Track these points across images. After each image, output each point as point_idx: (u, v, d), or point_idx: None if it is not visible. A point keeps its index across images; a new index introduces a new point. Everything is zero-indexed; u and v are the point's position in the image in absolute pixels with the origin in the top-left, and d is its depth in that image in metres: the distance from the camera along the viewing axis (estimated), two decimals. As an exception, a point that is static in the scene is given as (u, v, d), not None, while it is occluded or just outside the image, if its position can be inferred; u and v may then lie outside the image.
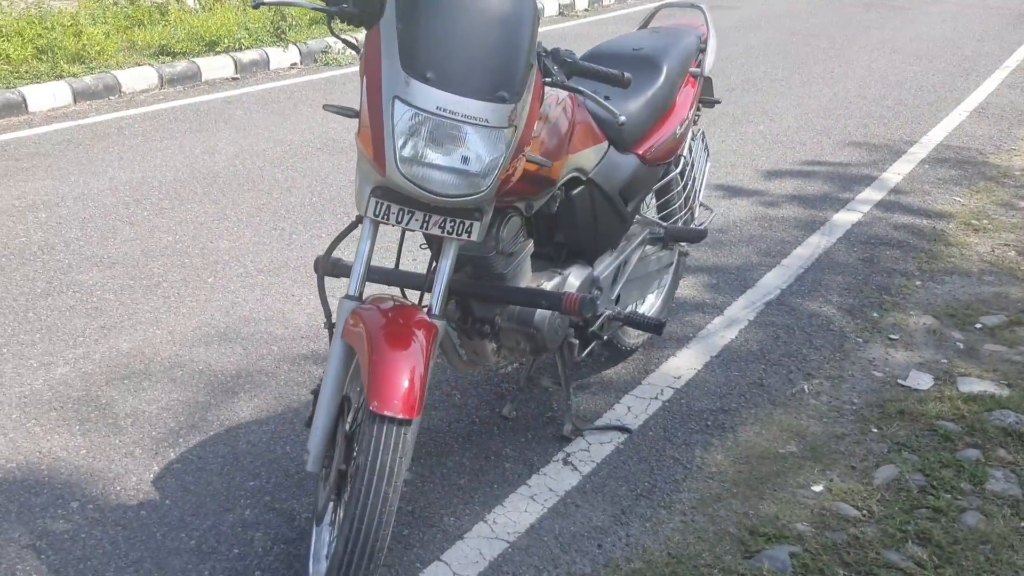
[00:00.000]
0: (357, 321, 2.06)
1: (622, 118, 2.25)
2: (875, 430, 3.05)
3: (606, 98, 2.69)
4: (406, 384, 1.93)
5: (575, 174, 2.51)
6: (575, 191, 2.57)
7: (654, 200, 3.18)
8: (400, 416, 1.91)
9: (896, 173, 5.57)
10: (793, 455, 2.90)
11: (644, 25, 3.45)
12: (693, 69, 3.12)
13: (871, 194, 5.23)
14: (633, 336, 3.30)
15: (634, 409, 3.10)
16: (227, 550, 2.40)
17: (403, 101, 1.92)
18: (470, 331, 2.47)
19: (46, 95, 6.06)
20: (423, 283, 2.40)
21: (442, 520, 2.53)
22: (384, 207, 2.03)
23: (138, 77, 6.65)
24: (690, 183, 3.19)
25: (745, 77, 7.77)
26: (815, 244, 4.51)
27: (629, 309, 3.24)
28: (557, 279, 2.64)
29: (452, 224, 2.07)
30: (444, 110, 1.92)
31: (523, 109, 2.00)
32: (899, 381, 3.34)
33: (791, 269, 4.24)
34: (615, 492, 2.68)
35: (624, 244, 2.92)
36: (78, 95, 6.24)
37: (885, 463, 2.83)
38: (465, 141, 1.93)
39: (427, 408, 3.00)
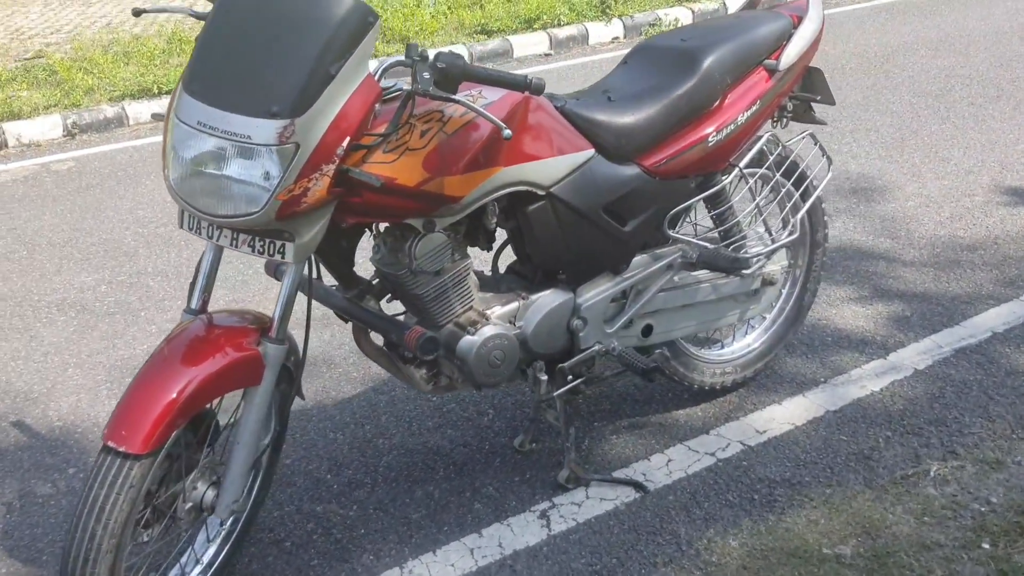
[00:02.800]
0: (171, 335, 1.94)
1: (507, 131, 1.85)
2: (985, 546, 2.24)
3: (608, 99, 2.26)
4: (144, 416, 1.77)
5: (523, 188, 2.12)
6: (532, 207, 2.17)
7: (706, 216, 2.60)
8: (122, 449, 1.76)
9: None
10: (840, 561, 2.23)
11: (747, 5, 2.81)
12: (769, 61, 2.48)
13: None
14: (716, 374, 2.75)
15: (675, 463, 2.59)
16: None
17: (175, 115, 1.80)
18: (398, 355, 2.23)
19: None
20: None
21: (360, 558, 2.32)
22: (196, 220, 1.88)
23: (446, 55, 6.90)
24: (760, 199, 2.54)
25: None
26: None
27: (689, 343, 2.71)
28: (514, 304, 2.26)
29: (262, 244, 1.87)
30: (205, 125, 1.75)
31: (311, 124, 1.73)
32: (1082, 482, 2.42)
33: (1028, 309, 3.26)
34: (567, 566, 2.26)
35: (638, 268, 2.41)
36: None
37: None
38: (228, 159, 1.74)
39: (443, 426, 2.77)
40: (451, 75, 1.86)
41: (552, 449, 2.64)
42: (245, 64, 1.78)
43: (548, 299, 2.29)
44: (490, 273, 2.40)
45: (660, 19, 7.64)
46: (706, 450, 2.63)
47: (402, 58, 1.89)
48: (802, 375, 2.95)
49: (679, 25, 7.42)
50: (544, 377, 2.31)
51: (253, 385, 1.96)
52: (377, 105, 1.89)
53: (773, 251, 2.54)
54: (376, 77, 1.91)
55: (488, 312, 2.23)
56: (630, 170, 2.29)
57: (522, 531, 2.37)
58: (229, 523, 2.22)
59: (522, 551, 2.31)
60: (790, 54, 2.49)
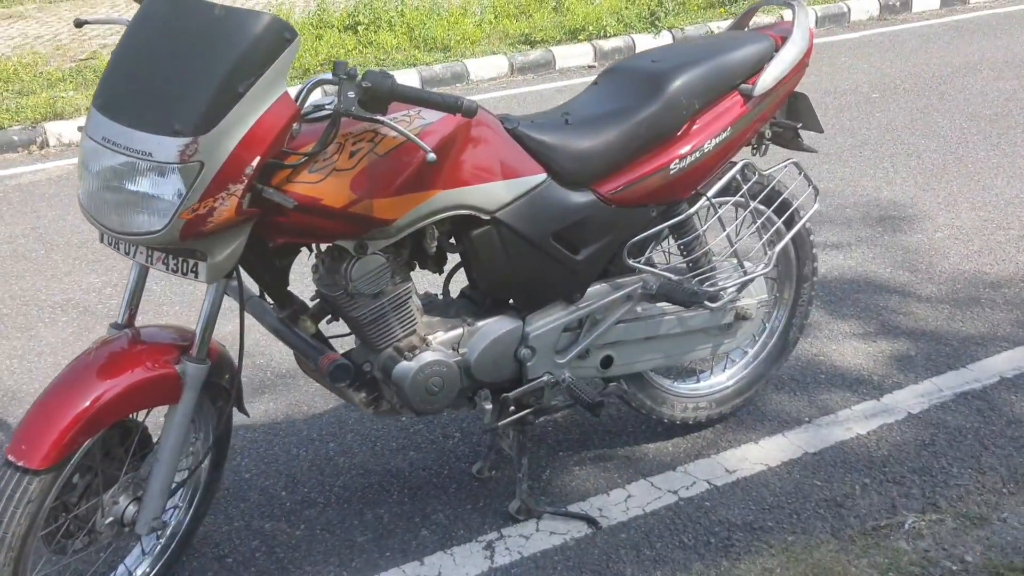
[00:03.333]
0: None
1: (431, 155, 1.80)
2: (948, 610, 2.11)
3: (566, 122, 2.20)
4: (45, 431, 1.76)
5: (466, 212, 2.07)
6: (476, 231, 2.11)
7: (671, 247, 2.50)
8: (20, 464, 1.75)
9: None
10: (787, 614, 2.12)
11: (736, 25, 2.70)
12: (745, 86, 2.37)
13: None
14: (688, 409, 2.65)
15: (634, 500, 2.49)
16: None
17: (85, 130, 1.81)
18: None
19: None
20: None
21: (296, 578, 2.29)
22: (113, 237, 1.87)
23: (488, 66, 6.88)
24: (729, 229, 2.43)
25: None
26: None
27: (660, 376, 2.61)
28: (459, 331, 2.20)
29: (175, 262, 1.85)
30: (109, 141, 1.74)
31: (217, 143, 1.69)
32: (1067, 545, 2.26)
33: (1047, 352, 3.08)
34: (502, 600, 2.20)
35: (593, 297, 2.33)
36: (426, 83, 6.63)
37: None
38: (131, 175, 1.72)
39: (407, 447, 2.73)
40: (378, 95, 1.82)
41: (511, 478, 2.57)
42: (153, 80, 1.76)
43: (495, 326, 2.22)
44: (441, 297, 2.35)
45: (711, 32, 7.50)
46: (669, 487, 2.53)
47: (330, 76, 1.86)
48: (786, 413, 2.83)
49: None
50: (488, 406, 2.25)
51: (171, 403, 1.94)
52: (303, 125, 1.86)
53: (740, 285, 2.43)
54: (304, 93, 1.88)
55: (431, 337, 2.17)
56: (584, 197, 2.21)
57: (464, 561, 2.31)
58: (166, 537, 2.21)
59: (459, 584, 2.25)
60: (767, 79, 2.38)
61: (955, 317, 3.34)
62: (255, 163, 1.74)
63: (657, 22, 7.51)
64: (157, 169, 1.70)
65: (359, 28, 7.29)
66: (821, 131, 2.60)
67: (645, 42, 7.33)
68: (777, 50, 2.43)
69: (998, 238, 3.96)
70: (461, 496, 2.53)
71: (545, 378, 2.29)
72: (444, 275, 2.32)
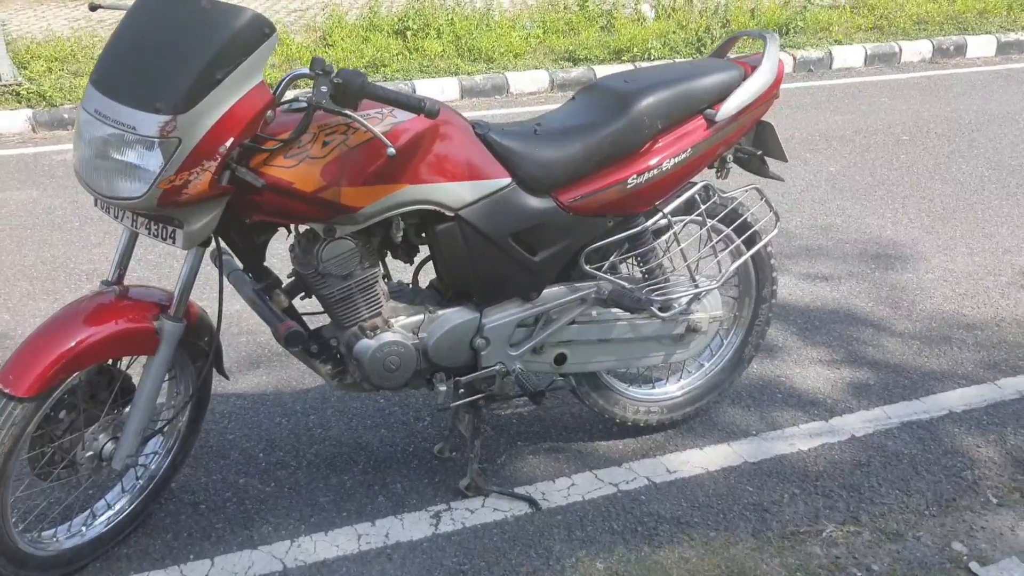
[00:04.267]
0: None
1: (390, 149, 2.04)
2: (840, 612, 2.28)
3: (535, 132, 2.42)
4: (32, 363, 2.03)
5: (430, 207, 2.30)
6: (440, 226, 2.35)
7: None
8: (7, 391, 2.02)
9: None
10: (694, 600, 2.32)
11: (716, 53, 2.90)
12: (709, 111, 2.57)
13: None
14: (639, 412, 2.85)
15: (576, 488, 2.70)
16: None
17: (81, 104, 2.05)
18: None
19: (434, 88, 6.81)
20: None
21: (259, 528, 2.53)
22: (105, 202, 2.12)
23: (529, 80, 7.12)
24: (683, 245, 2.63)
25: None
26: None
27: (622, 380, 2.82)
28: (420, 316, 2.44)
29: (156, 228, 2.10)
30: (99, 113, 1.98)
31: (194, 122, 1.93)
32: (970, 566, 2.42)
33: (1001, 392, 3.21)
34: (439, 562, 2.42)
35: (550, 298, 2.55)
36: (465, 92, 6.90)
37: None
38: (116, 145, 1.96)
39: (379, 425, 2.97)
40: (348, 91, 2.04)
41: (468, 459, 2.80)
42: (142, 62, 1.99)
43: (453, 316, 2.45)
44: (411, 286, 2.58)
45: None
46: (611, 480, 2.74)
47: (307, 70, 2.09)
48: (735, 424, 3.01)
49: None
50: (443, 388, 2.47)
51: (148, 355, 2.20)
52: (285, 114, 2.10)
53: (685, 298, 2.63)
54: (283, 84, 2.11)
55: (393, 320, 2.41)
56: (544, 203, 2.42)
57: (411, 527, 2.54)
58: (144, 479, 2.48)
59: (404, 543, 2.48)
60: (730, 106, 2.57)
61: (922, 353, 3.48)
62: (229, 143, 1.98)
63: (703, 48, 7.68)
64: (140, 141, 1.94)
65: (407, 33, 7.59)
66: (785, 160, 2.79)
67: (686, 69, 7.50)
68: (745, 79, 2.62)
69: (986, 283, 4.08)
70: (420, 471, 2.76)
71: (497, 367, 2.51)
72: (414, 266, 2.55)
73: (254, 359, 3.36)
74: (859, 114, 6.55)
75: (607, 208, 2.48)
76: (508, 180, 2.38)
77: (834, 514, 2.63)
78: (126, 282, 2.33)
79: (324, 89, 2.03)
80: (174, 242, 2.09)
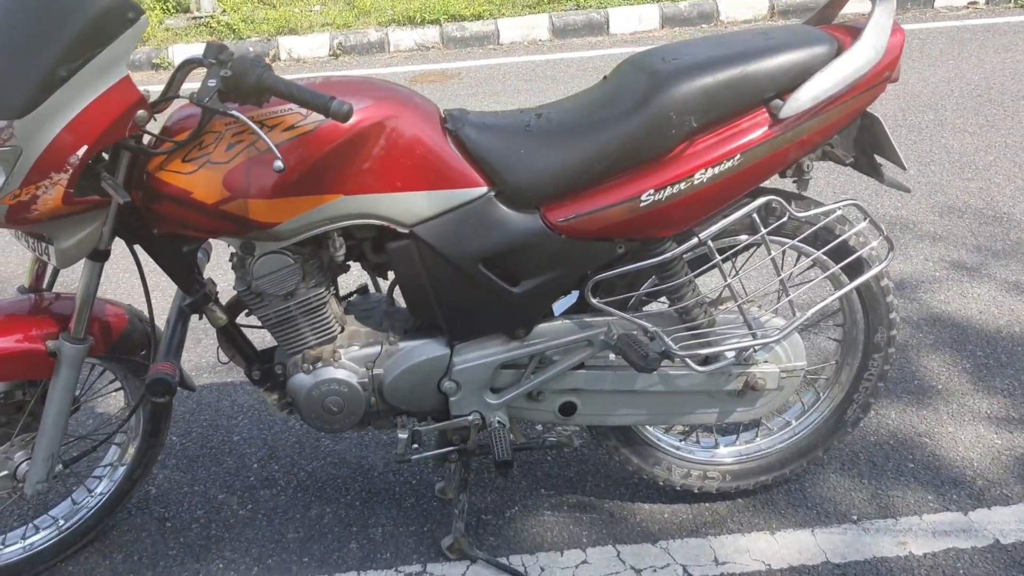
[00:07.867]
0: None
1: (277, 163, 1.58)
2: None
3: (527, 128, 1.86)
4: None
5: (376, 222, 1.81)
6: (393, 245, 1.85)
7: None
8: None
9: None
10: None
11: (818, 17, 2.08)
12: (776, 101, 1.84)
13: None
14: (690, 475, 2.24)
15: (587, 569, 2.15)
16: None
17: None
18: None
19: (631, 17, 6.11)
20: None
21: (212, 563, 2.22)
22: None
23: (744, 6, 6.29)
24: (731, 279, 1.94)
25: None
26: None
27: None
28: (377, 348, 1.96)
29: (33, 243, 1.80)
30: None
31: (35, 129, 1.55)
32: None
33: None
34: (377, 647, 1.99)
35: (546, 336, 1.97)
36: (667, 20, 6.14)
37: None
38: None
39: (390, 445, 2.55)
40: (240, 86, 1.61)
41: (473, 507, 2.33)
42: None
43: (417, 351, 1.96)
44: (383, 305, 2.10)
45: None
46: (635, 563, 2.16)
47: (199, 56, 1.68)
48: (830, 502, 2.31)
49: None
50: (403, 436, 2.01)
51: (43, 378, 1.91)
52: (187, 107, 1.72)
53: (739, 350, 1.96)
54: (178, 75, 1.72)
55: (342, 351, 1.96)
56: (528, 221, 1.85)
57: (370, 590, 2.12)
58: (96, 494, 2.24)
59: (351, 614, 2.07)
60: (803, 96, 1.83)
61: None
62: (81, 152, 1.61)
63: None
64: None
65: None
66: (903, 167, 1.99)
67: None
68: (837, 56, 1.87)
69: None
70: (413, 513, 2.33)
71: (471, 417, 2.00)
72: (389, 282, 2.08)
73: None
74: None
75: (613, 231, 1.86)
76: (483, 190, 1.83)
77: (925, 662, 1.91)
78: (58, 288, 2.04)
79: (212, 84, 1.62)
80: (48, 259, 1.77)
